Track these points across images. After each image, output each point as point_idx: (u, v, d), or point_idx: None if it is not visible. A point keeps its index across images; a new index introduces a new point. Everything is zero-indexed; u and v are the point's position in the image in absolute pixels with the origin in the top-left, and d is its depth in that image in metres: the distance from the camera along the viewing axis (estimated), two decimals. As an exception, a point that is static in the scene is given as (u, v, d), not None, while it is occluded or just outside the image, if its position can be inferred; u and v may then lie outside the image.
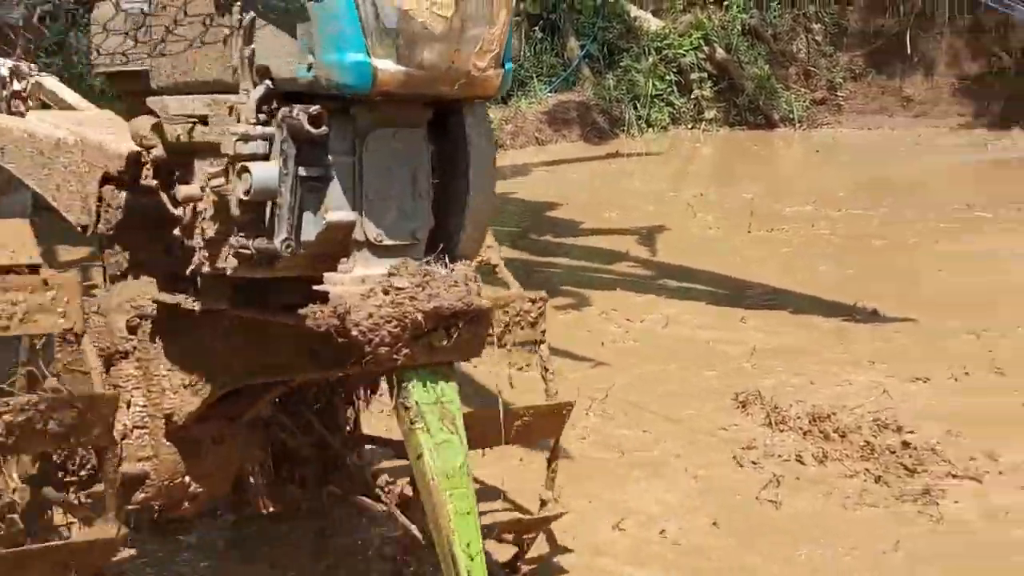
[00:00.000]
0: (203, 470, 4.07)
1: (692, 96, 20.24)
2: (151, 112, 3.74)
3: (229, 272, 3.43)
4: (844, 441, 6.12)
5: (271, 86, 3.29)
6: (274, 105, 3.31)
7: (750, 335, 8.24)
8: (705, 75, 20.36)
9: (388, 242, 3.35)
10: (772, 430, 6.34)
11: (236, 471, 4.23)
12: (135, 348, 4.02)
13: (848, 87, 20.69)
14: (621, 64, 19.78)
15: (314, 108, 3.18)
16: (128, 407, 4.03)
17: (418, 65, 3.20)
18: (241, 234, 3.35)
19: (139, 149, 3.86)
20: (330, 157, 3.27)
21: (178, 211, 3.63)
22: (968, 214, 12.75)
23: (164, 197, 3.72)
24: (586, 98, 19.39)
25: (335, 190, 3.28)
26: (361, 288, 3.29)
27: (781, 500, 5.49)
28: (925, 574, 4.88)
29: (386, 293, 3.26)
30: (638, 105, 19.46)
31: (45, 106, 5.12)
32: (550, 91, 19.26)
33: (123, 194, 4.09)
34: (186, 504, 4.09)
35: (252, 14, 3.31)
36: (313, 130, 3.19)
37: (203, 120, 3.47)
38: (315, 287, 3.34)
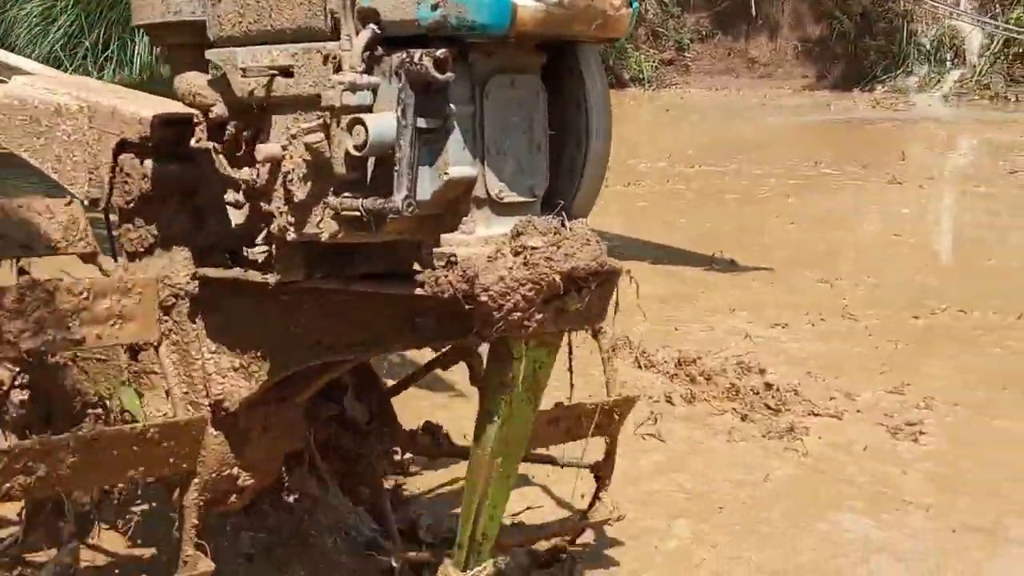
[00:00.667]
0: (252, 460, 3.73)
1: None
2: (197, 68, 3.39)
3: (325, 237, 3.11)
4: (710, 383, 6.38)
5: (377, 30, 2.97)
6: (378, 51, 2.99)
7: (613, 284, 8.40)
8: None
9: (509, 199, 3.07)
10: (642, 372, 6.58)
11: (282, 460, 3.88)
12: (170, 330, 3.65)
13: (695, 48, 21.12)
14: None
15: (441, 51, 2.88)
16: (166, 396, 3.66)
17: (557, 3, 2.92)
18: (346, 194, 3.03)
19: (171, 112, 3.54)
20: (452, 107, 2.96)
21: (246, 174, 3.29)
22: (815, 171, 13.36)
23: (223, 160, 3.37)
24: None
25: (455, 143, 3.00)
26: (487, 249, 3.00)
27: (661, 435, 5.71)
28: (794, 500, 5.14)
29: (517, 254, 2.98)
30: None
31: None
32: None
33: (147, 162, 3.71)
34: (234, 498, 3.73)
35: None
36: (439, 76, 2.89)
37: (285, 71, 3.13)
38: (434, 250, 3.04)
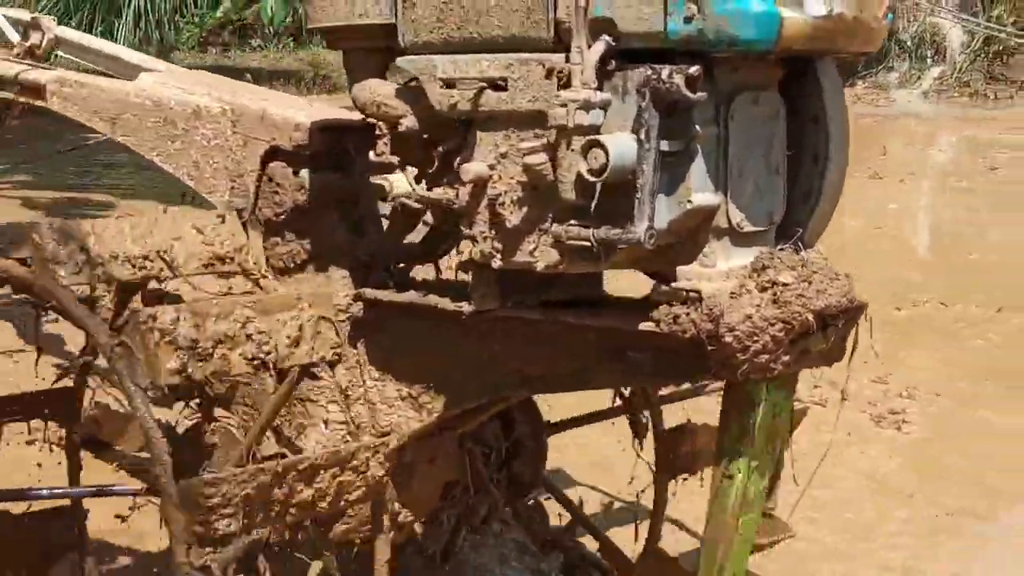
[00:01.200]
0: (413, 494, 3.46)
1: None
2: (380, 75, 3.12)
3: (541, 267, 2.85)
4: None
5: (611, 42, 2.70)
6: (610, 65, 2.72)
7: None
8: None
9: (749, 228, 2.81)
10: None
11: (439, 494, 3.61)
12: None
13: None
14: None
15: (694, 68, 2.61)
16: (325, 425, 3.39)
17: (826, 15, 2.65)
18: (572, 222, 2.76)
19: (350, 120, 3.28)
20: (697, 127, 2.70)
21: (439, 193, 3.02)
22: None
23: (408, 176, 3.09)
24: None
25: (698, 167, 2.73)
26: (729, 284, 2.74)
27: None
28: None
29: (763, 290, 2.72)
30: None
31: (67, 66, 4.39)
32: None
33: (304, 172, 3.43)
34: (392, 534, 3.46)
35: None
36: (690, 95, 2.62)
37: (496, 84, 2.85)
38: (673, 285, 2.78)
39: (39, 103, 3.89)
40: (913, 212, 11.92)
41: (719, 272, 2.77)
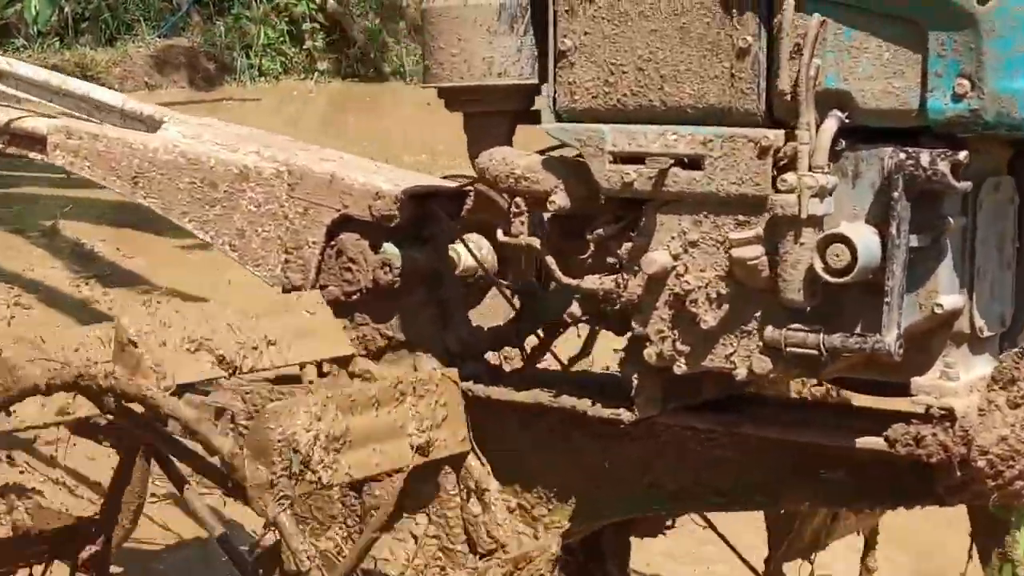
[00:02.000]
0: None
1: (304, 47, 19.70)
2: (499, 142, 2.69)
3: (743, 376, 2.44)
4: None
5: (844, 119, 2.30)
6: (840, 145, 2.33)
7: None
8: (317, 26, 19.80)
9: (987, 333, 2.45)
10: None
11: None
12: None
13: None
14: (231, 11, 19.05)
15: (962, 153, 2.24)
16: (414, 540, 2.92)
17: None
18: (794, 325, 2.36)
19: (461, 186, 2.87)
20: (950, 219, 2.32)
21: (595, 282, 2.59)
22: None
23: (552, 262, 2.65)
24: (195, 44, 18.71)
25: (947, 265, 2.35)
26: (974, 399, 2.37)
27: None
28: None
29: (1015, 407, 2.36)
30: (249, 54, 18.83)
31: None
32: (158, 35, 18.40)
33: (386, 246, 2.96)
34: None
35: (819, 16, 2.30)
36: (956, 185, 2.24)
37: (686, 162, 2.44)
38: (914, 398, 2.40)
39: (36, 156, 3.31)
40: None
41: (964, 385, 2.39)
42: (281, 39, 19.06)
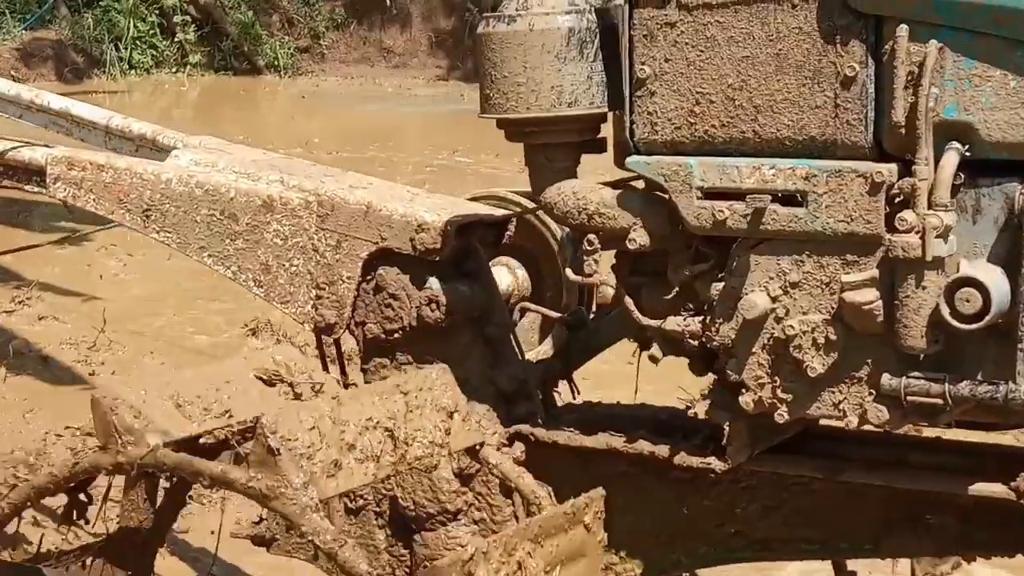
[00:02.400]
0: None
1: (175, 40, 19.47)
2: (564, 175, 2.54)
3: (855, 424, 2.31)
4: (350, 364, 6.31)
5: (964, 151, 2.19)
6: (958, 180, 2.21)
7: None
8: (188, 19, 19.62)
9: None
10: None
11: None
12: (470, 505, 2.76)
13: (331, 36, 20.70)
14: (101, 3, 18.75)
15: None
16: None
17: None
18: (915, 374, 2.24)
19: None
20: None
21: (678, 323, 2.45)
22: (450, 159, 13.33)
23: (629, 302, 2.51)
24: (63, 37, 18.43)
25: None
26: None
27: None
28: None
29: None
30: (119, 46, 18.58)
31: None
32: (24, 27, 18.07)
33: (431, 281, 2.79)
34: None
35: (935, 43, 2.18)
36: None
37: (784, 198, 2.30)
38: None
39: (33, 189, 3.08)
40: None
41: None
42: (152, 32, 18.86)
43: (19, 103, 3.63)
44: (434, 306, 2.79)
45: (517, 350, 2.91)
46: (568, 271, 2.58)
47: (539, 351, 3.05)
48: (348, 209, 2.85)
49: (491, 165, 12.87)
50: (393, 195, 2.93)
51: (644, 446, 2.61)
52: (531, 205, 3.08)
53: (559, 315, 2.99)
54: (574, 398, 3.02)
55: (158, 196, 2.97)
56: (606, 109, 2.50)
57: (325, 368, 3.05)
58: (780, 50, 2.29)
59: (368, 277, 2.87)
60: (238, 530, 3.04)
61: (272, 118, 16.78)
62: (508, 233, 2.93)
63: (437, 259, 2.79)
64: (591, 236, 2.50)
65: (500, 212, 3.00)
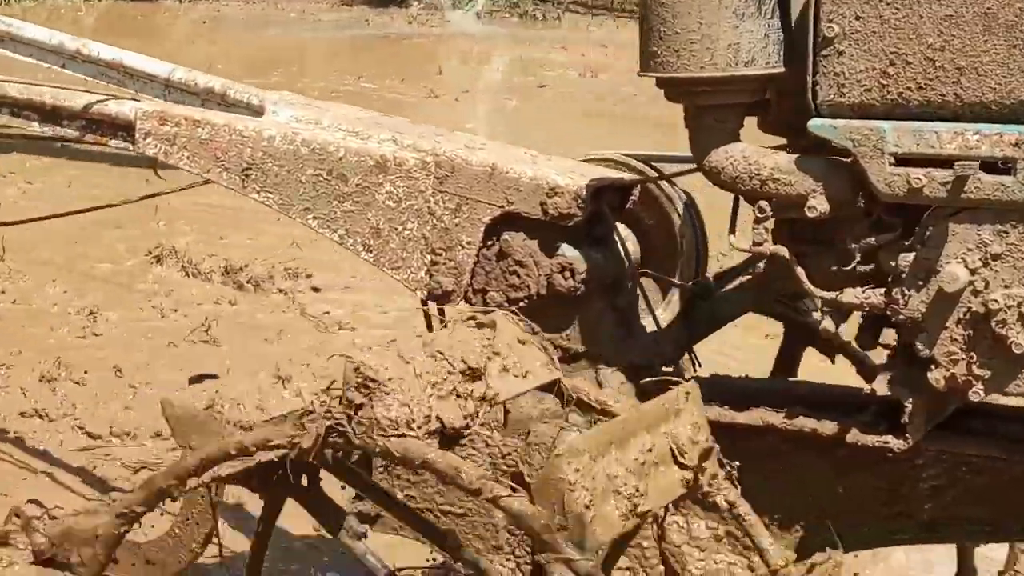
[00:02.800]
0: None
1: None
2: (730, 138, 2.40)
3: None
4: (258, 290, 6.64)
5: None
6: None
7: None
8: None
9: None
10: (189, 280, 6.76)
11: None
12: None
13: None
14: None
15: None
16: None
17: None
18: None
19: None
20: None
21: (855, 295, 2.34)
22: (356, 85, 13.19)
23: (801, 272, 2.38)
24: None
25: None
26: None
27: (217, 339, 5.94)
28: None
29: None
30: None
31: None
32: None
33: (564, 247, 2.65)
34: None
35: None
36: None
37: (992, 166, 2.19)
38: None
39: (119, 144, 2.88)
40: (469, 128, 11.70)
41: None
42: (42, -42, 18.38)
43: (61, 53, 3.40)
44: (568, 274, 2.64)
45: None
46: (731, 238, 2.45)
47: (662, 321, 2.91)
48: (470, 171, 2.69)
49: (397, 91, 12.86)
50: (514, 156, 2.77)
51: (806, 422, 2.49)
52: (644, 167, 2.94)
53: (684, 284, 2.85)
54: (694, 371, 2.89)
55: (259, 154, 2.79)
56: (782, 69, 2.36)
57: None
58: (988, 9, 2.16)
59: (489, 242, 2.71)
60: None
61: (172, 44, 16.16)
62: (632, 198, 2.77)
63: (569, 224, 2.63)
64: (763, 203, 2.37)
65: (623, 176, 2.85)
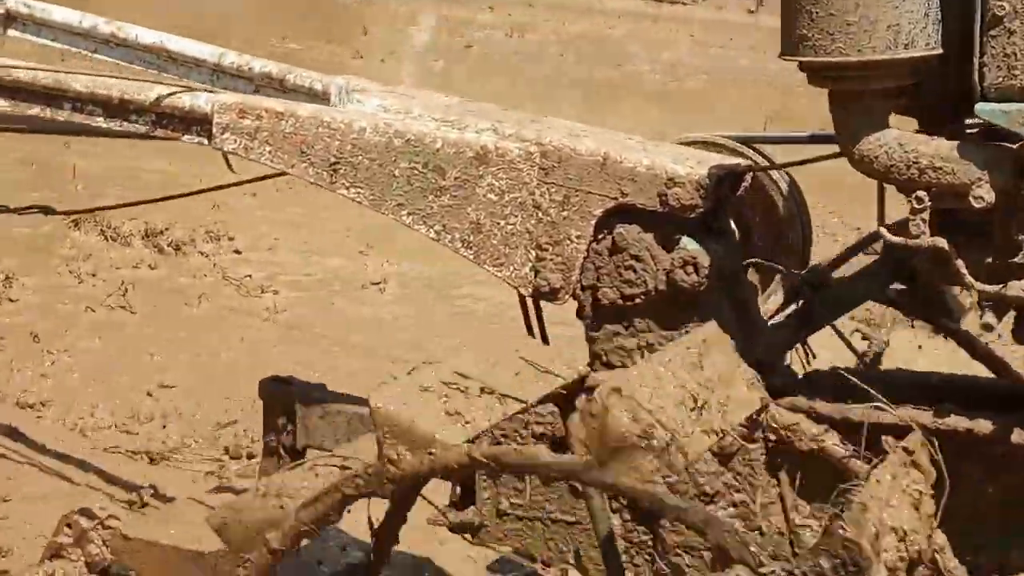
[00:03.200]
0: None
1: None
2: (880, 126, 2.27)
3: None
4: (179, 254, 6.58)
5: None
6: None
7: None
8: None
9: None
10: (108, 244, 6.61)
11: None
12: (732, 486, 2.50)
13: None
14: None
15: None
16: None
17: None
18: None
19: None
20: None
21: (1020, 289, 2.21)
22: (282, 46, 12.58)
23: (961, 264, 2.25)
24: None
25: None
26: None
27: (133, 306, 5.93)
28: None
29: None
30: None
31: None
32: None
33: (685, 241, 2.50)
34: None
35: None
36: None
37: None
38: None
39: (195, 140, 2.68)
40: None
41: None
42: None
43: (94, 37, 3.18)
44: (691, 269, 2.50)
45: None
46: (882, 229, 2.31)
47: (764, 313, 2.77)
48: (579, 161, 2.54)
49: (323, 52, 12.56)
50: (622, 143, 2.62)
51: (958, 421, 2.36)
52: (746, 150, 2.80)
53: (797, 273, 2.72)
54: (807, 364, 2.76)
55: (348, 147, 2.61)
56: (940, 50, 2.22)
57: (532, 334, 2.75)
58: None
59: (600, 236, 2.56)
60: (435, 517, 2.72)
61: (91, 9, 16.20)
62: (744, 185, 2.63)
63: (691, 216, 2.49)
64: (920, 192, 2.23)
65: (738, 162, 2.71)
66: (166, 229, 6.74)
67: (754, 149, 2.80)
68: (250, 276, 6.32)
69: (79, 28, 3.25)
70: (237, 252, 6.59)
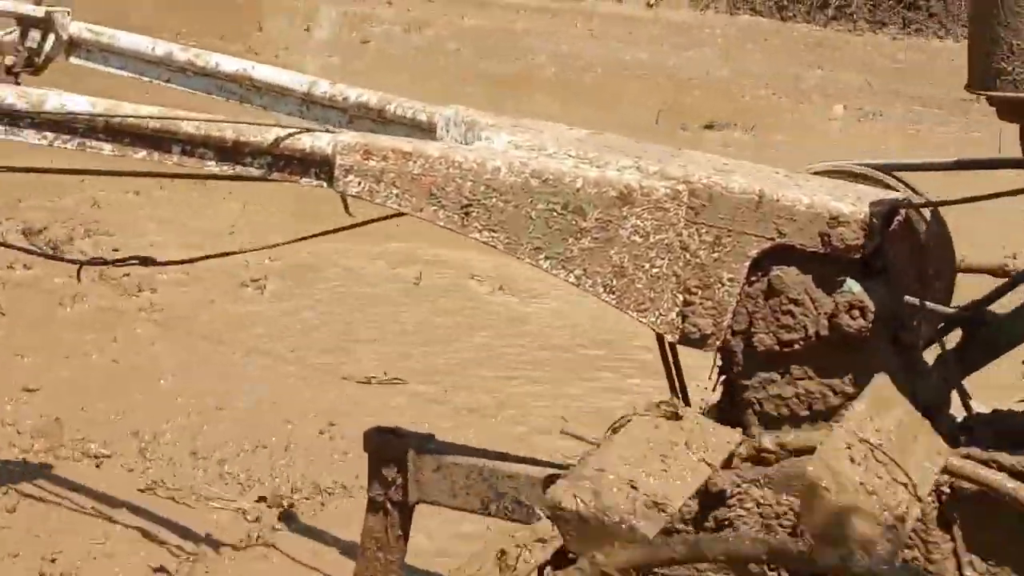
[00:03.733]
0: None
1: None
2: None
3: None
4: (58, 251, 6.39)
5: None
6: None
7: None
8: None
9: None
10: None
11: None
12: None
13: None
14: None
15: None
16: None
17: None
18: None
19: None
20: None
21: None
22: (178, 41, 13.26)
23: None
24: None
25: None
26: None
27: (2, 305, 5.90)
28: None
29: None
30: None
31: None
32: None
33: (850, 283, 2.36)
34: None
35: None
36: None
37: None
38: None
39: (311, 182, 2.51)
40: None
41: None
42: None
43: (168, 65, 3.00)
44: (857, 313, 2.35)
45: None
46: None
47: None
48: (732, 199, 2.39)
49: (215, 48, 12.56)
50: (772, 178, 2.47)
51: None
52: (890, 180, 2.66)
53: (960, 310, 2.57)
54: (966, 407, 2.61)
55: (482, 188, 2.45)
56: None
57: (673, 385, 2.60)
58: None
59: (753, 279, 2.41)
60: None
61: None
62: (898, 218, 2.48)
63: (856, 257, 2.34)
64: None
65: (897, 196, 2.55)
66: (44, 228, 6.73)
67: (895, 177, 2.66)
68: (127, 276, 6.23)
69: (151, 56, 3.07)
70: (115, 251, 6.37)
